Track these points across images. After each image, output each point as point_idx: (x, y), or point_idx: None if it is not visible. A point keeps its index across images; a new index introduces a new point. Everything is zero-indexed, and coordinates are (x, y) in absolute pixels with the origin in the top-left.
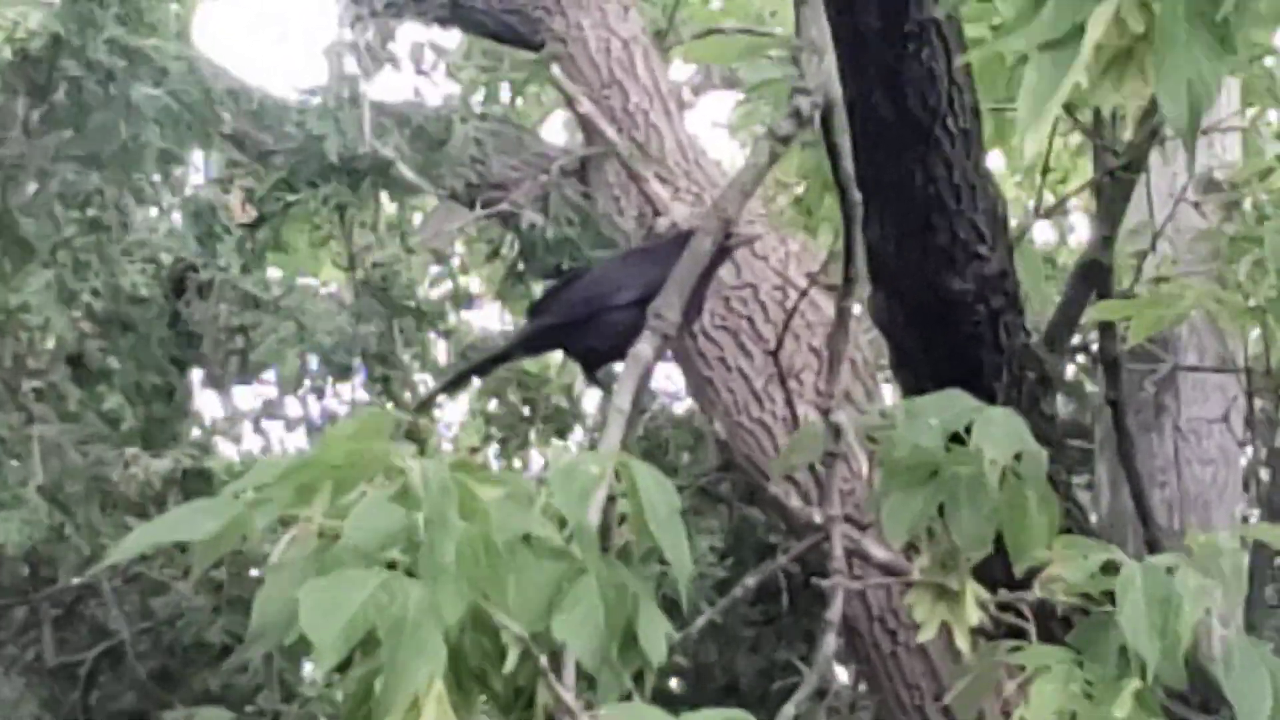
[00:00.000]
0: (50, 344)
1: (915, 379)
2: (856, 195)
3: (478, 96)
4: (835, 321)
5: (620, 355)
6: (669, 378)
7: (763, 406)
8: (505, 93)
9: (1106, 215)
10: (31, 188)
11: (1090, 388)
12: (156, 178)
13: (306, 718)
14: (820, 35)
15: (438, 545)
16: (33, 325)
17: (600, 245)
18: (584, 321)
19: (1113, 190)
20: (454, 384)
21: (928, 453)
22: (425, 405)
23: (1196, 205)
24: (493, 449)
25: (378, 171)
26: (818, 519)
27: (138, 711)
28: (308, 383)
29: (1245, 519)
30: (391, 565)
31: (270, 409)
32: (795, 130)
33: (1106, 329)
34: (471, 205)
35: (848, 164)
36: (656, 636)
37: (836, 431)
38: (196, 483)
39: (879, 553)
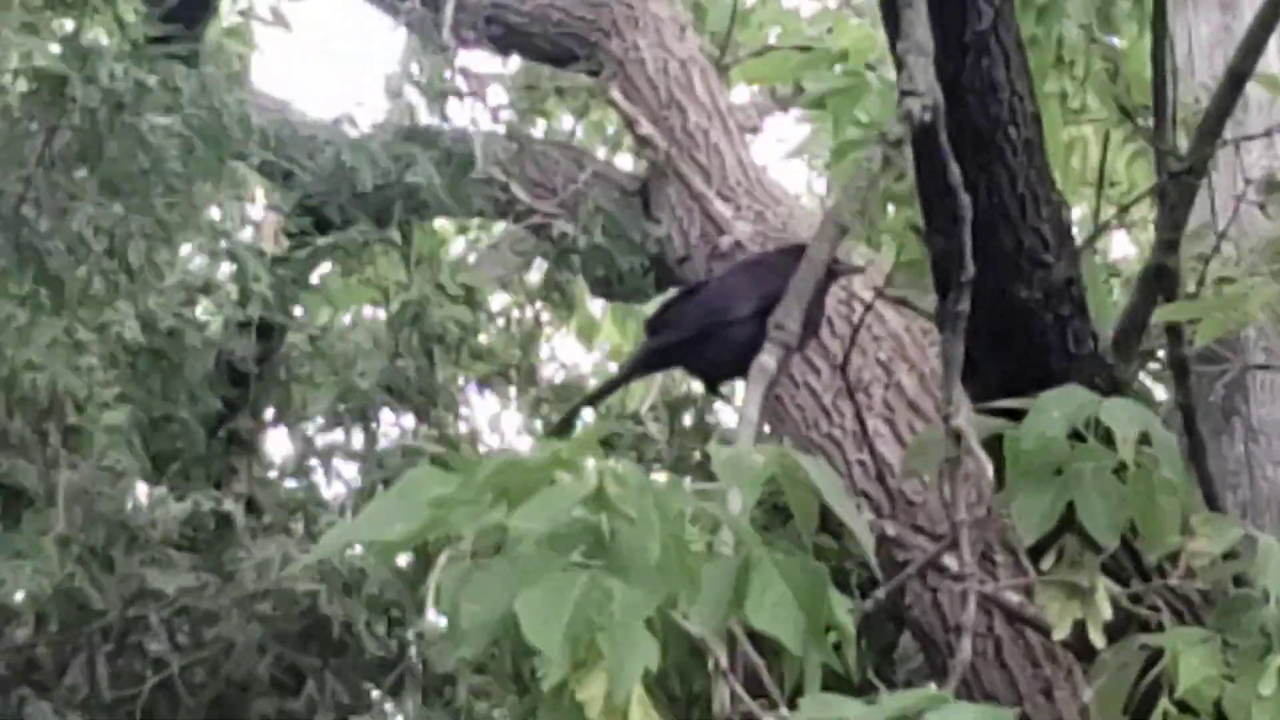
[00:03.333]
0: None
1: (985, 388)
2: (965, 198)
3: (539, 122)
4: (948, 327)
5: (742, 369)
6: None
7: (831, 421)
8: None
9: (1170, 219)
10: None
11: (1159, 393)
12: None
13: None
14: (925, 36)
15: (641, 544)
16: (39, 384)
17: (631, 254)
18: (704, 337)
19: (1175, 194)
20: (585, 404)
21: (1053, 449)
22: (564, 427)
23: (1261, 207)
24: None
25: (407, 197)
26: (890, 531)
27: None
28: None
29: None
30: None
31: (331, 445)
32: (906, 134)
33: (1174, 332)
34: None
35: (954, 168)
36: (844, 613)
37: (957, 437)
38: (222, 523)
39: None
